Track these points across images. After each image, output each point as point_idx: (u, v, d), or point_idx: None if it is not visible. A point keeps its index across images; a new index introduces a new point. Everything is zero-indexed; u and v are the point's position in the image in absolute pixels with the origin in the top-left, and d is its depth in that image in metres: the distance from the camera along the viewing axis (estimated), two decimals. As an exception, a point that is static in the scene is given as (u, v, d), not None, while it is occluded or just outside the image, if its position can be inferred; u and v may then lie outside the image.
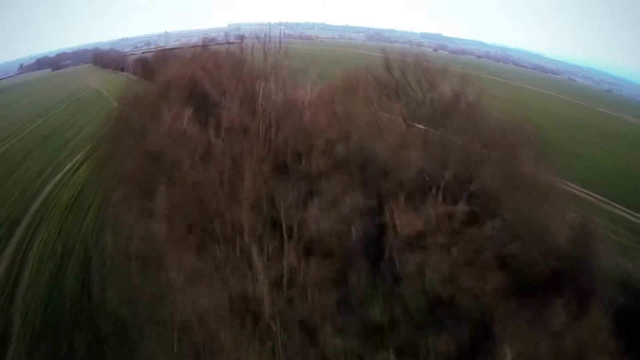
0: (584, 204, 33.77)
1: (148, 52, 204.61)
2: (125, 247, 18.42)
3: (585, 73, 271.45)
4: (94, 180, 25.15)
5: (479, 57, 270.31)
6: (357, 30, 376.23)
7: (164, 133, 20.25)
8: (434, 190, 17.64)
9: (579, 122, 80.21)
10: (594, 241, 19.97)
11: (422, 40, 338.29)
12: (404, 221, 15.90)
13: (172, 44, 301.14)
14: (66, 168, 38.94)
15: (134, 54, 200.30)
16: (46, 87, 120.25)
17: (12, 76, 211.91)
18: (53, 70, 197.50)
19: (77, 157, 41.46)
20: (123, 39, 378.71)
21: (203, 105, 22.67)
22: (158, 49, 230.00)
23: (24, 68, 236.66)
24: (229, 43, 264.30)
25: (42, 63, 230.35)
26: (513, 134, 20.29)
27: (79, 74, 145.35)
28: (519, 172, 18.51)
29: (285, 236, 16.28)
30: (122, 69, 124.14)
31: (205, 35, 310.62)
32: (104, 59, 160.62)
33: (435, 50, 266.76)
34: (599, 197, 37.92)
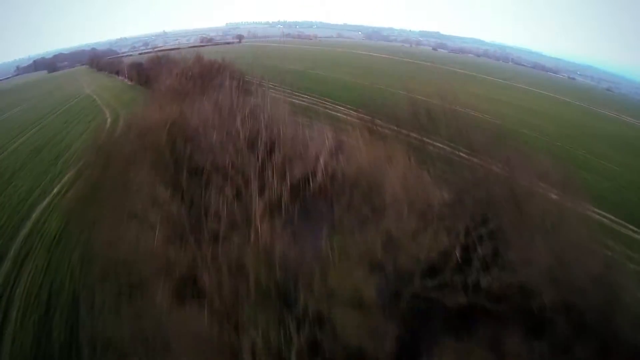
0: (599, 227, 32.07)
1: (145, 52, 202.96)
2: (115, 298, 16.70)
3: (584, 71, 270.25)
4: (81, 210, 23.33)
5: (478, 55, 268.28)
6: (355, 28, 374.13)
7: (131, 234, 16.16)
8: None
9: (585, 127, 78.27)
10: (616, 276, 18.56)
11: (420, 38, 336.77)
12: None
13: (170, 44, 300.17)
14: (55, 190, 37.14)
15: (131, 55, 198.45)
16: (40, 92, 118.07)
17: (8, 78, 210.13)
18: (49, 72, 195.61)
19: (66, 178, 39.69)
20: (121, 39, 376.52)
21: (182, 179, 17.76)
22: (155, 49, 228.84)
23: (21, 70, 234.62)
24: (227, 43, 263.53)
25: (39, 64, 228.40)
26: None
27: (74, 77, 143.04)
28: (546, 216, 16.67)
29: None
30: (117, 73, 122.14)
31: (204, 35, 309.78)
32: (100, 62, 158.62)
33: (434, 49, 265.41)
34: (612, 217, 36.26)
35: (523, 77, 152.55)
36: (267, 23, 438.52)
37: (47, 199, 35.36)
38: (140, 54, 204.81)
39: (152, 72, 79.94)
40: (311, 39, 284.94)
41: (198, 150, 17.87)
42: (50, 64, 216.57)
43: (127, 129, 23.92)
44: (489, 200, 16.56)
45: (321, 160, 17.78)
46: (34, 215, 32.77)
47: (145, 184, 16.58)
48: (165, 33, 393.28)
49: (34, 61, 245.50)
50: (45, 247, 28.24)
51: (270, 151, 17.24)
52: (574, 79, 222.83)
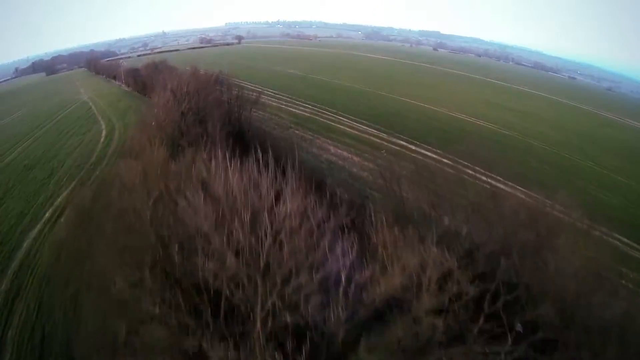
0: (612, 252, 30.72)
1: (144, 54, 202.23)
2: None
3: (585, 70, 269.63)
4: (72, 241, 22.09)
5: (479, 55, 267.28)
6: (355, 28, 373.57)
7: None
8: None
9: (590, 133, 76.66)
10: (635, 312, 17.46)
11: (420, 38, 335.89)
12: None
13: (169, 44, 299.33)
14: (46, 216, 35.86)
15: (129, 57, 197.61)
16: (38, 96, 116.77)
17: (7, 80, 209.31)
18: (47, 74, 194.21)
19: (57, 201, 38.45)
20: (120, 40, 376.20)
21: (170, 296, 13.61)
22: (154, 51, 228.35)
23: (19, 72, 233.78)
24: (227, 44, 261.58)
25: (37, 66, 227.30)
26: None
27: (71, 81, 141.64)
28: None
29: None
30: (114, 78, 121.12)
31: (203, 36, 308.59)
32: (97, 65, 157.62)
33: (434, 49, 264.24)
34: (623, 239, 34.93)
35: (524, 78, 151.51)
36: (267, 23, 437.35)
37: (39, 226, 34.05)
38: (139, 55, 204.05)
39: (148, 78, 79.19)
40: (311, 39, 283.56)
41: (186, 250, 14.36)
42: (48, 66, 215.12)
43: (105, 199, 20.95)
44: (510, 250, 15.30)
45: (343, 278, 13.17)
46: (25, 245, 31.58)
47: (126, 297, 14.02)
48: (164, 33, 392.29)
49: (33, 63, 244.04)
50: (37, 284, 26.79)
51: (276, 253, 13.32)
52: (574, 78, 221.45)
